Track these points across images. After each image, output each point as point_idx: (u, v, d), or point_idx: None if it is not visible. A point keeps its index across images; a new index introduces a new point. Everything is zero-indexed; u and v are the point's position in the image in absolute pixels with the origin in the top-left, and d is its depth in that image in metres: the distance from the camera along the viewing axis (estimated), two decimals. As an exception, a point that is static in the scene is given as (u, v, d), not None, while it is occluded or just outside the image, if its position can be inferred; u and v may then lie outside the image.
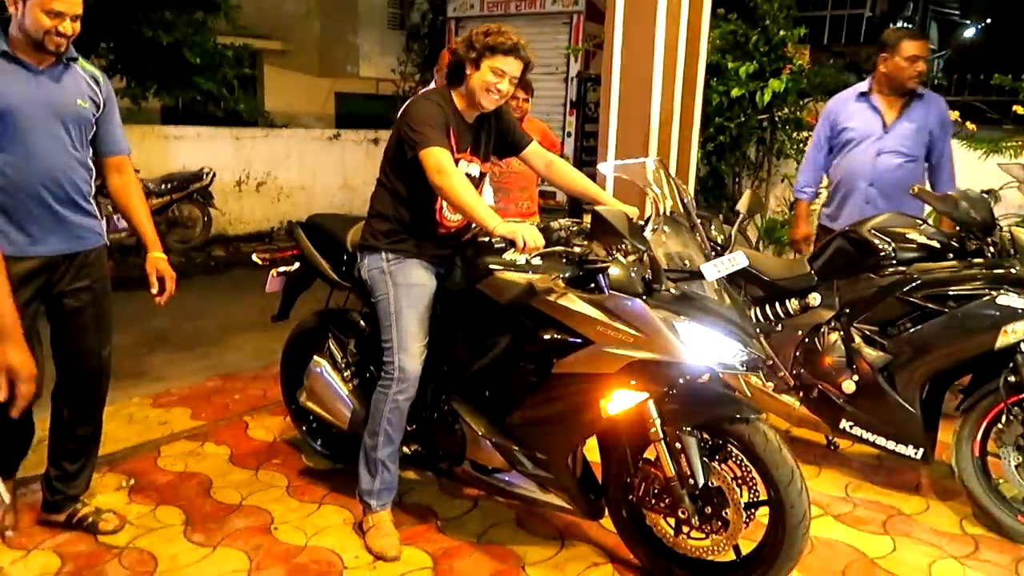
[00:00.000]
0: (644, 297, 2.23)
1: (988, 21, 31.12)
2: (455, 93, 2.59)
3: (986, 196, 2.98)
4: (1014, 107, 5.28)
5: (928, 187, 3.67)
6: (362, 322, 3.04)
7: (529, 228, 2.27)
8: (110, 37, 7.79)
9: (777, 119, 5.73)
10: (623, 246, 2.26)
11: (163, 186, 7.89)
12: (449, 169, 2.39)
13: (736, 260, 2.33)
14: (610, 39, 4.67)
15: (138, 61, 7.91)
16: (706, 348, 2.21)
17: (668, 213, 2.46)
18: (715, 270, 2.25)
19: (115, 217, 7.38)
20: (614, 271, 2.26)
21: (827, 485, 3.28)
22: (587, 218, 2.24)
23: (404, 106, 2.65)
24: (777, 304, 3.40)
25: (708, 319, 2.24)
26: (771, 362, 3.31)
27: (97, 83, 2.60)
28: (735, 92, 5.31)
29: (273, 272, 3.25)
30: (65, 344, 2.61)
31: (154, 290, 2.81)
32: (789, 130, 5.72)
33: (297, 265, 3.21)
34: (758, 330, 3.33)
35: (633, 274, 2.27)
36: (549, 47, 8.19)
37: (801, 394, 3.30)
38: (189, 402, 4.02)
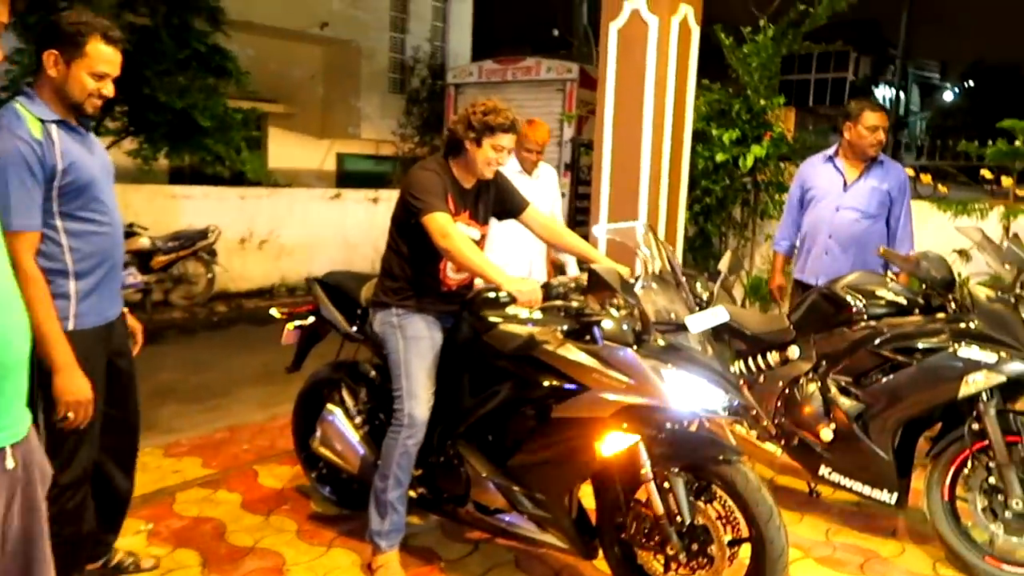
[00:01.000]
0: (634, 347, 2.47)
1: (968, 84, 32.24)
2: (452, 163, 2.87)
3: (943, 257, 3.23)
4: (981, 171, 5.63)
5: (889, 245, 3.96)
6: (373, 372, 3.25)
7: (533, 284, 2.52)
8: (124, 100, 8.16)
9: (760, 182, 6.06)
10: (616, 301, 2.51)
11: (170, 243, 8.16)
12: (453, 232, 2.64)
13: (718, 314, 2.58)
14: (602, 106, 5.00)
15: (151, 123, 8.27)
16: (691, 394, 2.43)
17: (656, 272, 2.71)
18: (698, 323, 2.50)
19: (124, 273, 7.63)
20: (607, 323, 2.50)
21: (809, 530, 3.46)
22: (583, 276, 2.49)
23: (405, 176, 2.90)
24: (759, 357, 3.64)
25: (693, 368, 2.47)
26: (754, 411, 3.52)
27: None
28: (720, 157, 5.65)
29: (290, 326, 3.48)
30: (114, 404, 2.60)
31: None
32: (772, 192, 6.04)
33: (312, 319, 3.45)
34: (742, 381, 3.59)
35: (625, 326, 2.51)
36: (544, 112, 8.58)
37: (783, 442, 3.51)
38: (200, 452, 4.18)
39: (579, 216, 7.06)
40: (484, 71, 9.16)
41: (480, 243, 3.01)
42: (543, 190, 4.50)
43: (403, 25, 12.83)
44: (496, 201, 3.05)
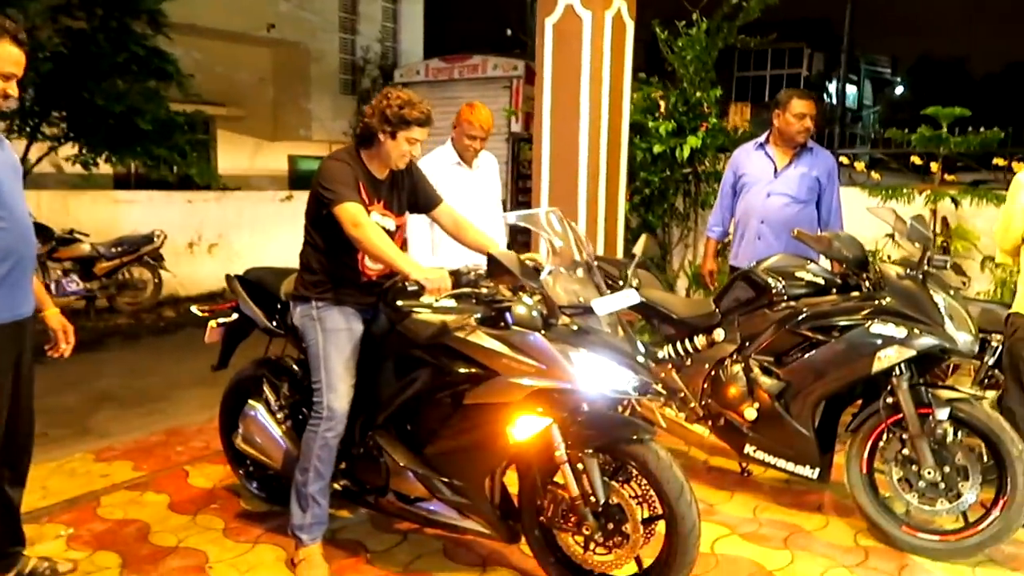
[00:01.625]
0: (543, 332, 2.48)
1: (914, 78, 33.02)
2: (364, 154, 2.85)
3: (855, 237, 3.30)
4: (911, 158, 5.76)
5: (819, 230, 4.04)
6: (295, 367, 3.23)
7: (439, 272, 2.52)
8: (62, 105, 7.99)
9: (700, 172, 6.13)
10: (527, 286, 2.52)
11: (113, 249, 8.01)
12: (364, 222, 2.63)
13: (627, 297, 2.60)
14: (539, 102, 5.03)
15: (90, 128, 8.10)
16: (600, 376, 2.45)
17: (581, 259, 2.72)
18: (605, 305, 2.51)
19: (63, 280, 7.49)
20: (516, 309, 2.51)
21: (737, 508, 3.51)
22: None
23: (318, 168, 2.88)
24: (687, 340, 3.68)
25: (602, 350, 2.49)
26: (682, 394, 3.58)
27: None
28: (657, 148, 5.70)
29: (212, 323, 3.44)
30: (14, 405, 2.56)
31: (63, 345, 2.79)
32: (711, 182, 6.10)
33: (235, 316, 3.41)
34: (670, 365, 3.63)
35: (534, 312, 2.52)
36: (491, 109, 8.60)
37: (710, 423, 3.55)
38: (132, 455, 4.11)
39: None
40: (431, 70, 9.15)
41: (397, 234, 2.99)
42: (483, 181, 4.30)
43: (353, 26, 12.76)
44: (410, 193, 3.04)
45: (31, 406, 2.67)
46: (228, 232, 9.72)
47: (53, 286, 7.55)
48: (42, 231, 7.53)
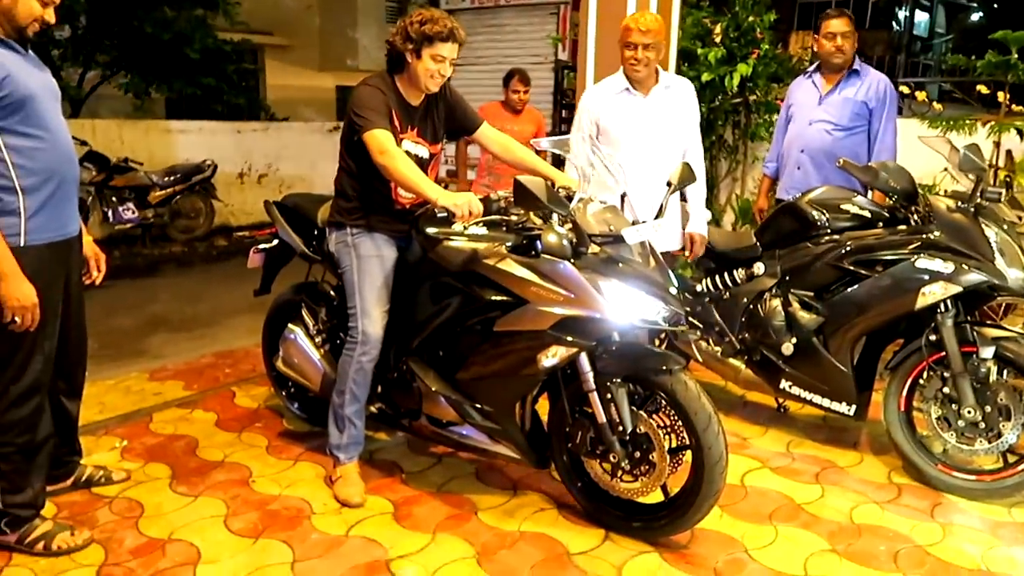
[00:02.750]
0: (572, 260, 2.46)
1: (995, 6, 30.96)
2: (397, 79, 2.81)
3: (904, 168, 3.16)
4: (977, 87, 5.44)
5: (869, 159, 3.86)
6: (332, 292, 3.29)
7: (468, 198, 2.50)
8: (112, 35, 8.08)
9: (751, 103, 5.91)
10: (557, 214, 2.49)
11: (166, 178, 8.18)
12: (391, 149, 2.61)
13: (658, 226, 2.55)
14: (584, 27, 4.87)
15: (140, 57, 8.20)
16: (629, 305, 2.43)
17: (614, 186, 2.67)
18: (636, 234, 2.48)
19: (120, 208, 7.70)
20: (546, 237, 2.49)
21: (771, 443, 3.49)
22: None
23: (352, 93, 2.85)
24: (726, 274, 3.62)
25: (632, 279, 2.47)
26: (718, 327, 3.55)
27: None
28: (705, 76, 5.49)
29: (253, 249, 3.51)
30: (65, 321, 2.63)
31: (95, 272, 2.80)
32: (762, 113, 5.89)
33: (276, 242, 3.47)
34: (708, 298, 3.59)
35: (564, 241, 2.49)
36: (538, 37, 8.39)
37: (747, 357, 3.52)
38: (183, 376, 4.28)
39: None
40: (478, -4, 8.92)
41: (431, 163, 2.98)
42: (661, 112, 3.38)
43: (399, -49, 12.52)
44: (447, 119, 3.01)
45: (82, 322, 2.76)
46: (277, 162, 9.84)
47: (110, 213, 7.78)
48: (97, 159, 7.74)
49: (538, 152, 3.21)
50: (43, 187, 2.40)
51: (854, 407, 3.25)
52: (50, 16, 2.40)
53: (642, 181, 3.13)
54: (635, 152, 3.23)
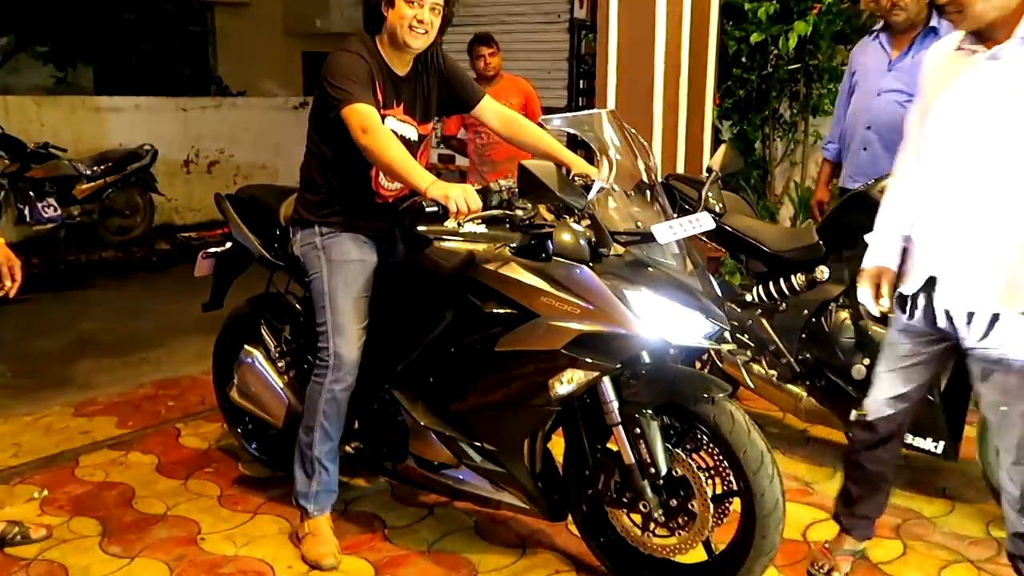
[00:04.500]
0: (591, 264, 2.47)
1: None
2: (379, 42, 2.85)
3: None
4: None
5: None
6: (298, 305, 3.32)
7: (465, 189, 2.52)
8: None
9: (811, 69, 5.94)
10: (572, 207, 2.51)
11: (96, 168, 8.28)
12: (375, 126, 2.64)
13: (698, 222, 2.57)
14: (605, -25, 4.92)
15: (63, 21, 8.28)
16: (661, 319, 2.45)
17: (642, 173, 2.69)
18: (670, 231, 2.48)
19: (39, 205, 7.77)
20: (559, 235, 2.50)
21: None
22: None
23: (326, 60, 2.88)
24: (782, 280, 3.63)
25: (665, 287, 2.48)
26: (774, 346, 3.56)
27: None
28: (755, 38, 5.54)
29: (202, 254, 3.54)
30: None
31: (8, 282, 2.79)
32: (826, 82, 5.92)
33: (229, 245, 3.50)
34: (760, 310, 3.60)
35: (581, 241, 2.51)
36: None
37: (809, 383, 3.53)
38: (116, 410, 4.32)
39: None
40: (475, -56, 8.99)
41: (421, 145, 3.01)
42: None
43: None
44: (441, 91, 3.04)
45: None
46: (231, 146, 9.93)
47: (26, 211, 7.85)
48: (11, 145, 7.81)
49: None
50: None
51: (943, 444, 3.25)
52: None
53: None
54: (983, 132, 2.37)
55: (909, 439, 3.30)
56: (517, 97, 5.97)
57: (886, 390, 2.70)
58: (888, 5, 3.84)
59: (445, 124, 5.69)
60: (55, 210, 7.99)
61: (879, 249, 2.65)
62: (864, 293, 2.63)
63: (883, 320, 3.32)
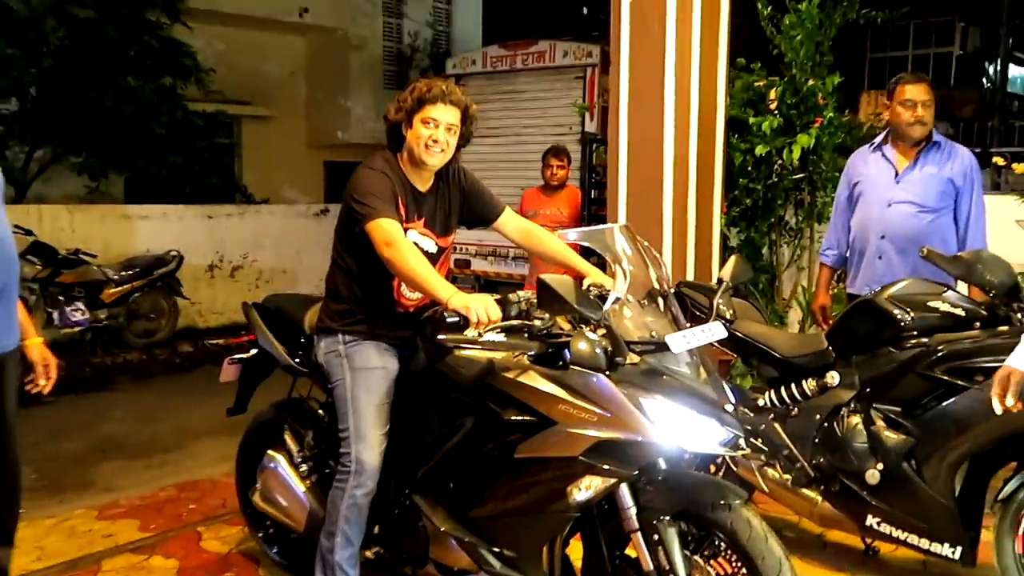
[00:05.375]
0: (607, 372, 2.52)
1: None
2: (401, 159, 2.97)
3: (1001, 258, 3.23)
4: (1087, 158, 5.57)
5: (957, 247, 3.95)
6: (321, 411, 3.35)
7: (484, 299, 2.59)
8: (65, 108, 8.46)
9: (815, 178, 6.07)
10: (588, 318, 2.57)
11: (123, 272, 8.42)
12: (398, 240, 2.74)
13: (711, 331, 2.62)
14: (615, 94, 5.08)
15: (97, 134, 8.55)
16: (677, 426, 2.47)
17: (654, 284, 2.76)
18: (684, 341, 2.53)
19: (68, 309, 7.89)
20: (576, 345, 2.55)
21: (860, 595, 3.44)
22: None
23: (351, 177, 3.00)
24: (793, 385, 3.64)
25: (680, 395, 2.51)
26: (787, 451, 3.56)
27: None
28: (760, 149, 5.67)
29: (228, 359, 3.60)
30: None
31: (42, 380, 2.87)
32: (830, 190, 6.03)
33: (253, 351, 3.56)
34: (772, 415, 3.61)
35: (598, 350, 2.55)
36: (561, 105, 8.72)
37: (823, 487, 3.51)
38: (138, 513, 4.31)
39: (593, 225, 7.08)
40: (490, 59, 9.31)
41: (440, 257, 3.09)
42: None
43: (399, 8, 13.11)
44: (461, 206, 3.14)
45: (13, 452, 2.78)
46: (254, 251, 10.09)
47: (55, 315, 7.96)
48: (43, 252, 7.98)
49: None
50: None
51: (959, 549, 3.20)
52: None
53: None
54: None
55: (926, 544, 3.27)
56: (567, 206, 6.29)
57: None
58: (912, 120, 3.96)
59: None
60: (83, 314, 8.10)
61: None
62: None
63: (894, 425, 3.35)
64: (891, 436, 3.30)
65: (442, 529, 2.84)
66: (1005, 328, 3.19)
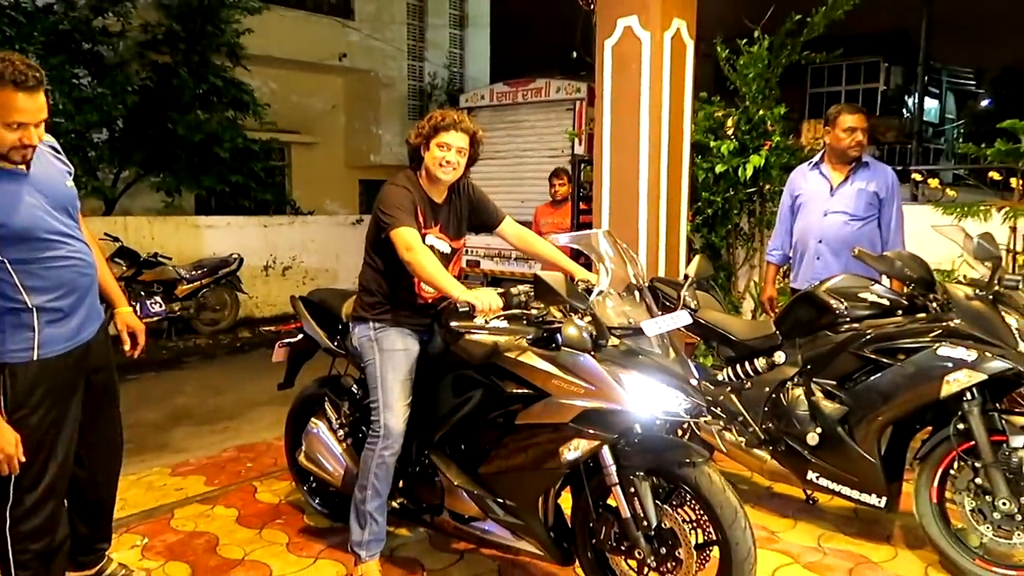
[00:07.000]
0: (592, 352, 2.49)
1: (1003, 92, 31.48)
2: (420, 176, 2.95)
3: (918, 256, 3.20)
4: (989, 173, 5.53)
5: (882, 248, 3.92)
6: (355, 386, 3.32)
7: (488, 293, 2.56)
8: (146, 137, 8.47)
9: (765, 192, 6.02)
10: (576, 308, 2.54)
11: (194, 272, 8.39)
12: (416, 246, 2.71)
13: (678, 318, 2.59)
14: (599, 124, 5.05)
15: (173, 158, 8.56)
16: (650, 397, 2.44)
17: (631, 279, 2.73)
18: (655, 326, 2.51)
19: (148, 302, 7.85)
20: (566, 330, 2.52)
21: (801, 536, 3.41)
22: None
23: (379, 192, 2.97)
24: (747, 363, 3.61)
25: (652, 371, 2.48)
26: (741, 417, 3.52)
27: (56, 149, 2.52)
28: (719, 168, 5.64)
29: (278, 343, 3.58)
30: (91, 417, 2.63)
31: (127, 346, 2.87)
32: (777, 202, 5.98)
33: (300, 336, 3.53)
34: (730, 388, 3.58)
35: (584, 334, 2.53)
36: (555, 132, 8.70)
37: (772, 447, 3.48)
38: (205, 470, 4.29)
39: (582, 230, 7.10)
40: (495, 94, 9.27)
41: (453, 257, 3.06)
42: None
43: (421, 53, 13.09)
44: (471, 215, 3.11)
45: (115, 414, 2.78)
46: (301, 254, 10.06)
47: (137, 307, 7.92)
48: (128, 255, 7.97)
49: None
50: (58, 302, 2.41)
51: (884, 499, 3.18)
52: (29, 138, 2.22)
53: None
54: None
55: (857, 495, 3.24)
56: (568, 216, 6.30)
57: None
58: (852, 143, 3.92)
59: None
60: (160, 306, 8.05)
61: None
62: None
63: (831, 396, 3.31)
64: (828, 405, 3.27)
65: (455, 483, 2.82)
66: (922, 315, 3.15)
